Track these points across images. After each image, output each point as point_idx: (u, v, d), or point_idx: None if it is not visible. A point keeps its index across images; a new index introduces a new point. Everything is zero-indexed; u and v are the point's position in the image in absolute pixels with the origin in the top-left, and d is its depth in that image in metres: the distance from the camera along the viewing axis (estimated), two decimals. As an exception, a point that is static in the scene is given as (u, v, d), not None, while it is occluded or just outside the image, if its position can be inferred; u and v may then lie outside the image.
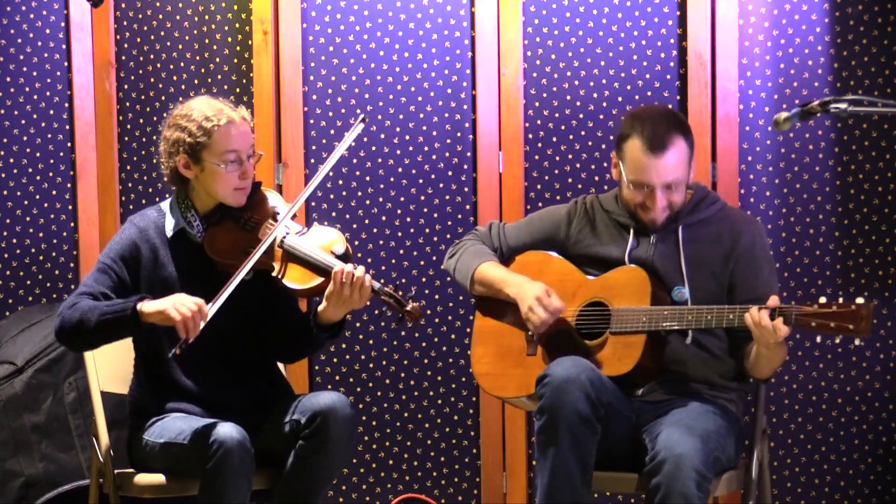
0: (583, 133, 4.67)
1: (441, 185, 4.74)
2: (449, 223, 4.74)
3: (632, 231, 3.75)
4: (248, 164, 3.72)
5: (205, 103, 3.74)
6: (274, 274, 3.68)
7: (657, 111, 3.76)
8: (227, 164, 3.69)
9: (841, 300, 3.38)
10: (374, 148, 4.76)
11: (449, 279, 4.69)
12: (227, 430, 3.49)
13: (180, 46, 4.83)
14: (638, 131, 3.65)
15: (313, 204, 4.75)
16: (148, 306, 3.55)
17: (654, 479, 3.41)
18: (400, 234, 4.76)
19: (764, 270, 3.71)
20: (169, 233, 3.75)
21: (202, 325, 3.51)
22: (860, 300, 3.36)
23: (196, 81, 4.80)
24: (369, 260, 4.75)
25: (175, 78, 4.83)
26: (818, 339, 3.44)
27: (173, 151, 3.72)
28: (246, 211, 3.75)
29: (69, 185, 4.88)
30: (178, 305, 3.51)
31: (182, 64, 4.82)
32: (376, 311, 4.68)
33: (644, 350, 3.59)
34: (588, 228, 3.83)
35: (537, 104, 4.69)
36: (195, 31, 4.81)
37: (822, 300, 3.41)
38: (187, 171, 3.72)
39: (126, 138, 4.88)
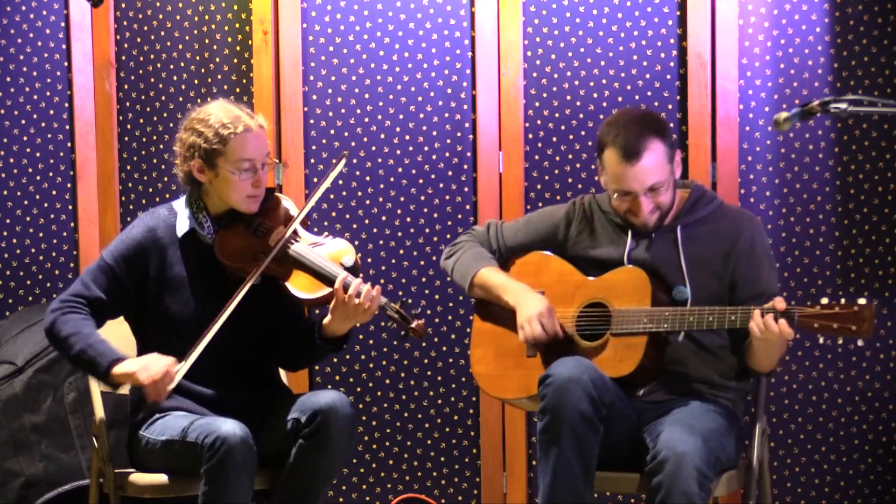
0: (583, 133, 4.67)
1: (441, 185, 4.74)
2: (449, 223, 4.74)
3: (630, 231, 3.74)
4: (262, 173, 3.71)
5: (223, 109, 3.73)
6: (281, 281, 3.68)
7: (629, 115, 3.71)
8: (241, 171, 3.68)
9: (843, 301, 3.38)
10: (374, 148, 4.76)
11: (449, 279, 4.69)
12: (230, 427, 3.49)
13: (180, 46, 4.83)
14: (611, 140, 3.64)
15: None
16: (119, 368, 3.59)
17: (655, 478, 3.41)
18: (400, 234, 4.76)
19: (764, 267, 3.71)
20: (180, 233, 3.75)
21: (171, 387, 3.56)
22: (862, 301, 3.35)
23: (196, 81, 4.80)
24: (369, 260, 4.75)
25: (175, 78, 4.83)
26: (820, 339, 3.44)
27: (188, 155, 3.72)
28: (258, 216, 3.75)
29: (69, 185, 4.88)
30: (149, 368, 3.56)
31: (182, 64, 4.82)
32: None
33: (645, 351, 3.59)
34: (587, 230, 3.83)
35: (537, 104, 4.69)
36: (195, 31, 4.81)
37: (825, 301, 3.40)
38: (201, 175, 3.72)
39: (126, 138, 4.88)
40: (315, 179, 4.74)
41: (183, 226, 3.75)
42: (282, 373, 3.95)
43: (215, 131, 3.67)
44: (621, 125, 3.65)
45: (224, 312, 3.60)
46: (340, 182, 4.75)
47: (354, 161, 4.75)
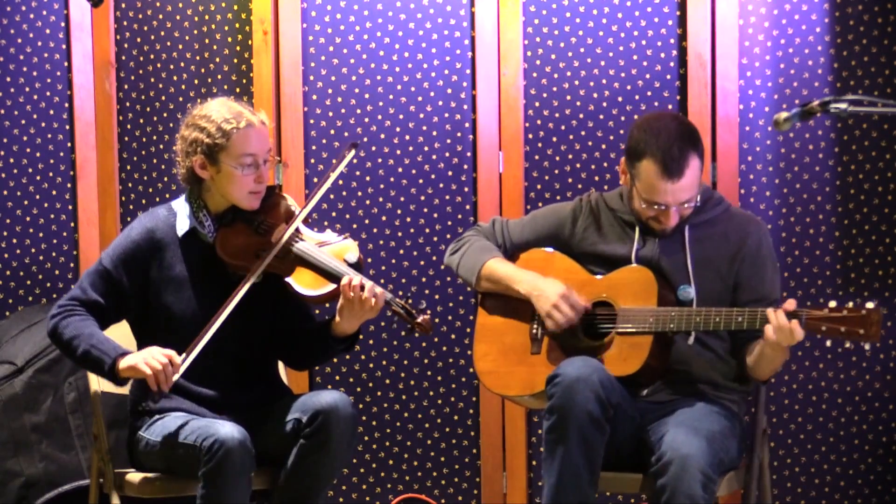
0: (583, 133, 4.67)
1: (441, 185, 4.74)
2: (449, 223, 4.74)
3: (637, 230, 3.74)
4: (264, 169, 3.72)
5: (224, 105, 3.74)
6: (285, 279, 3.68)
7: (670, 126, 3.61)
8: (243, 167, 3.69)
9: (851, 304, 3.38)
10: (374, 148, 4.76)
11: (449, 279, 4.69)
12: (228, 430, 3.49)
13: (180, 46, 4.83)
14: (652, 152, 3.57)
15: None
16: (124, 363, 3.60)
17: (659, 480, 3.40)
18: (400, 234, 4.76)
19: (768, 271, 3.71)
20: (180, 232, 3.75)
21: (176, 377, 3.56)
22: (870, 305, 3.35)
23: (196, 81, 4.80)
24: (370, 260, 4.75)
25: (175, 78, 4.83)
26: (828, 343, 3.44)
27: (190, 151, 3.72)
28: (259, 214, 3.75)
29: (69, 185, 4.88)
30: (149, 359, 3.56)
31: (182, 64, 4.82)
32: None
33: (651, 351, 3.58)
34: (593, 227, 3.82)
35: (537, 104, 4.69)
36: (195, 31, 4.81)
37: (833, 304, 3.40)
38: (203, 171, 3.72)
39: (126, 138, 4.88)
40: (315, 179, 4.74)
41: (183, 225, 3.75)
42: (282, 372, 3.95)
43: (218, 126, 3.68)
44: (663, 137, 3.58)
45: (228, 306, 3.60)
46: (340, 182, 4.75)
47: (355, 161, 4.75)
